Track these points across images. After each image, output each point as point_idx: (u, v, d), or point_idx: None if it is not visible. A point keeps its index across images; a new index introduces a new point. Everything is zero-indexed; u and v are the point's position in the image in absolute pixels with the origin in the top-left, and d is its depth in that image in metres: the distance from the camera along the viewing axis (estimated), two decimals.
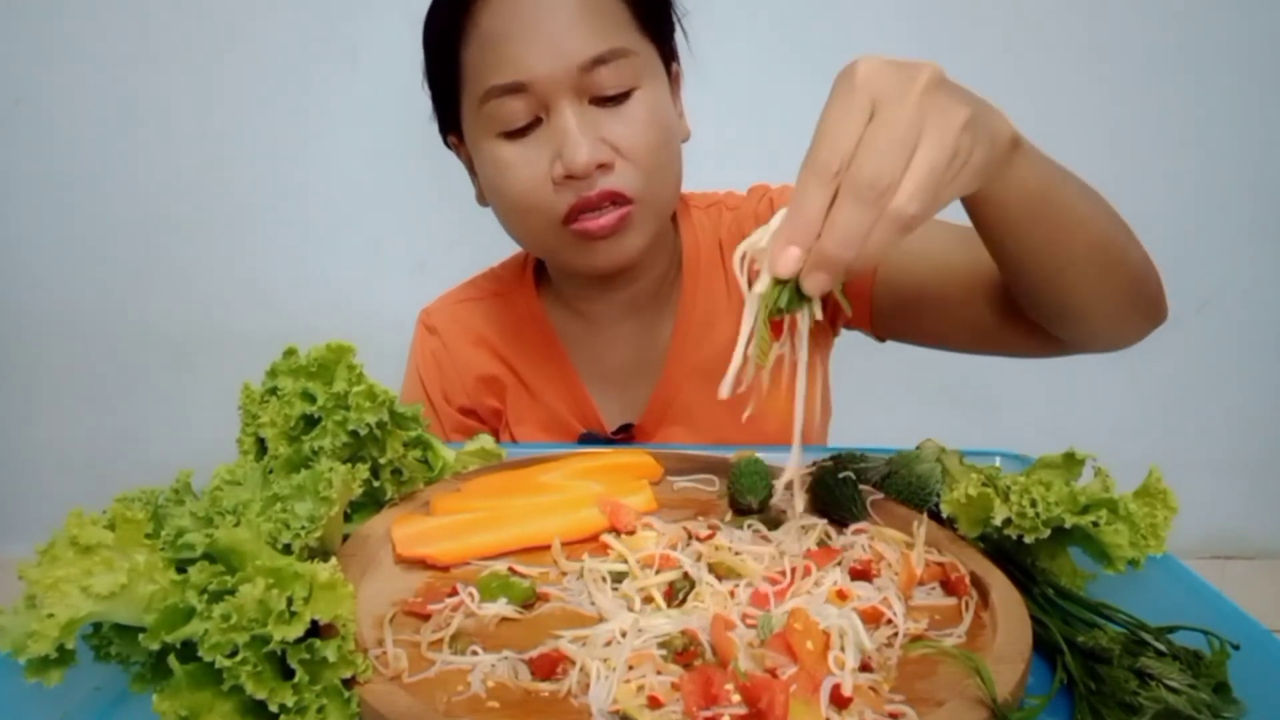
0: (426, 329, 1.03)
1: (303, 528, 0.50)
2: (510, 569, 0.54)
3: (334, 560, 0.46)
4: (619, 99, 0.80)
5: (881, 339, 0.92)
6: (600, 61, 0.78)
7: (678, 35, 0.89)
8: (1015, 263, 0.68)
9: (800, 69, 1.60)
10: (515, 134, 0.80)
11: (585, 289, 0.96)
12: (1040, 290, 0.71)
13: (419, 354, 1.03)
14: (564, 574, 0.55)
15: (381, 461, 0.61)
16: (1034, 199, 0.62)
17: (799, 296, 0.48)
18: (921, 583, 0.53)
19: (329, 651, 0.41)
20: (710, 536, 0.57)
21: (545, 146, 0.80)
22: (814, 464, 0.66)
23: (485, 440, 0.73)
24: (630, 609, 0.49)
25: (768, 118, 1.58)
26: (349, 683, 0.42)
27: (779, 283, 0.48)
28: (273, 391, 0.62)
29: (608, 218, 0.80)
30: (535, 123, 0.80)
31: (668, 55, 0.88)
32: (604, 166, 0.79)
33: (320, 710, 0.40)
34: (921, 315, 0.85)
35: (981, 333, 0.81)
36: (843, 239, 0.45)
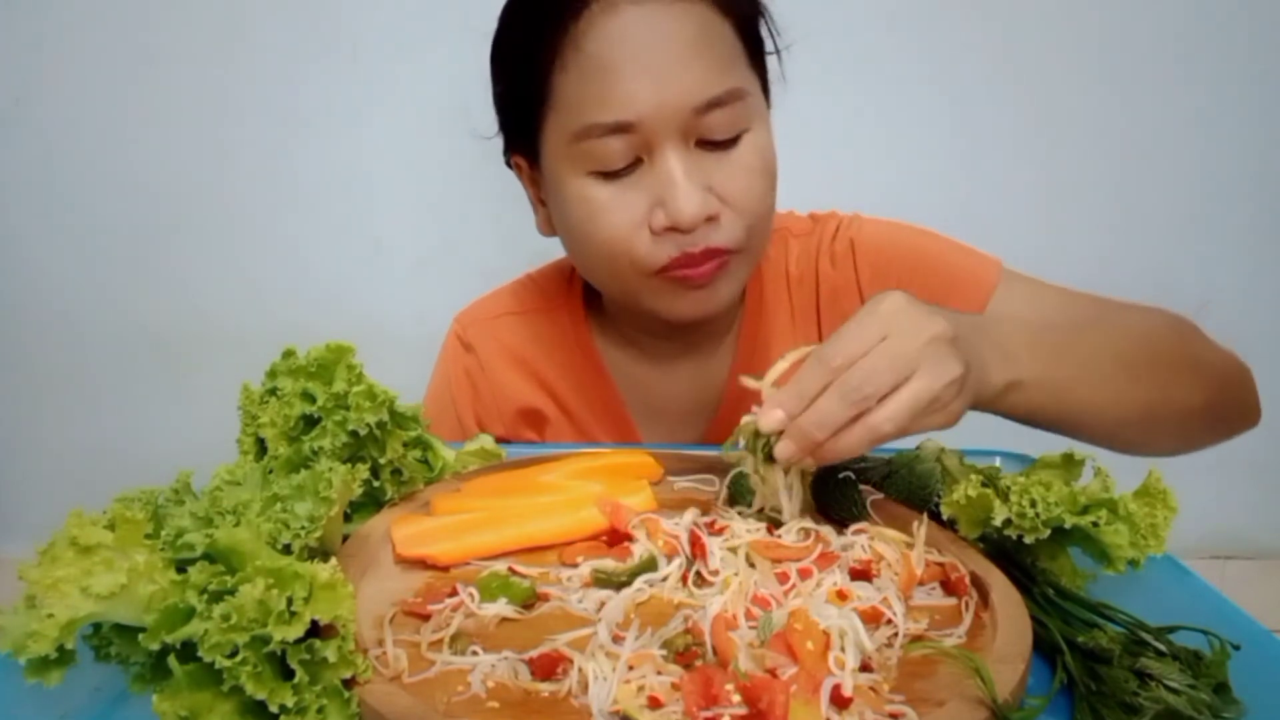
0: (462, 344, 0.95)
1: (303, 528, 0.50)
2: (510, 569, 0.54)
3: (334, 560, 0.46)
4: (728, 143, 0.74)
5: None
6: (716, 104, 0.71)
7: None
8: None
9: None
10: (610, 174, 0.74)
11: (647, 325, 0.89)
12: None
13: (453, 371, 0.95)
14: (572, 563, 0.54)
15: (381, 461, 0.61)
16: (1037, 415, 0.65)
17: (769, 458, 0.55)
18: (921, 583, 0.53)
19: (329, 652, 0.41)
20: (723, 530, 0.57)
21: (643, 191, 0.73)
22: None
23: (485, 440, 0.73)
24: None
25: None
26: (349, 683, 0.42)
27: (758, 435, 0.56)
28: (272, 392, 0.62)
29: (707, 266, 0.74)
30: (634, 163, 0.73)
31: (767, 89, 0.81)
32: (711, 219, 0.73)
33: (320, 710, 0.40)
34: None
35: None
36: (817, 421, 0.52)
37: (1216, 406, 0.74)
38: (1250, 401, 0.78)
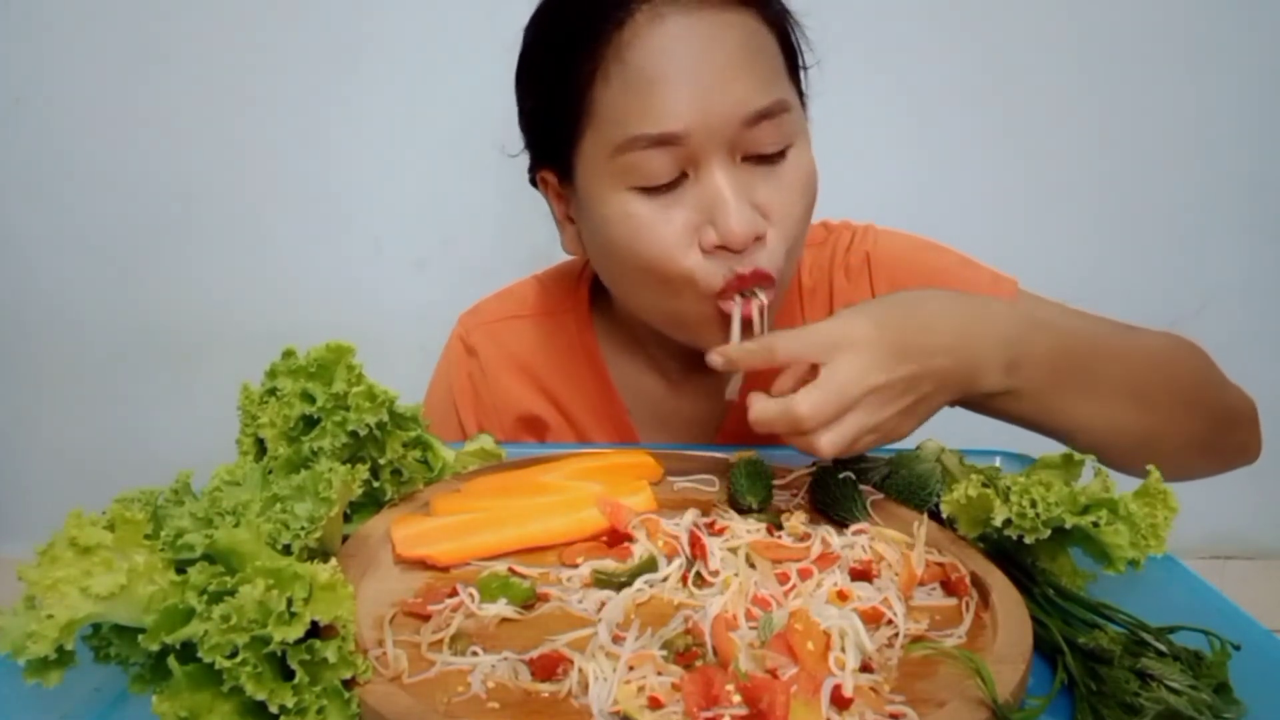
0: (465, 348, 0.93)
1: (302, 528, 0.50)
2: (510, 569, 0.54)
3: (334, 561, 0.46)
4: (774, 159, 0.70)
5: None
6: (764, 116, 0.68)
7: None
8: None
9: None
10: (653, 190, 0.70)
11: (663, 340, 0.83)
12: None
13: (455, 374, 0.94)
14: (572, 564, 0.54)
15: (381, 462, 0.61)
16: (1027, 423, 0.69)
17: None
18: (922, 583, 0.53)
19: (329, 652, 0.41)
20: (723, 530, 0.57)
21: (689, 207, 0.69)
22: (814, 464, 0.66)
23: (485, 440, 0.73)
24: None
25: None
26: (349, 683, 0.42)
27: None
28: (272, 392, 0.62)
29: (756, 305, 0.71)
30: (679, 179, 0.69)
31: (805, 105, 0.78)
32: (759, 239, 0.69)
33: (320, 711, 0.40)
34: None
35: None
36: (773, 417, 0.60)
37: (1215, 442, 0.75)
38: (1250, 441, 0.78)
